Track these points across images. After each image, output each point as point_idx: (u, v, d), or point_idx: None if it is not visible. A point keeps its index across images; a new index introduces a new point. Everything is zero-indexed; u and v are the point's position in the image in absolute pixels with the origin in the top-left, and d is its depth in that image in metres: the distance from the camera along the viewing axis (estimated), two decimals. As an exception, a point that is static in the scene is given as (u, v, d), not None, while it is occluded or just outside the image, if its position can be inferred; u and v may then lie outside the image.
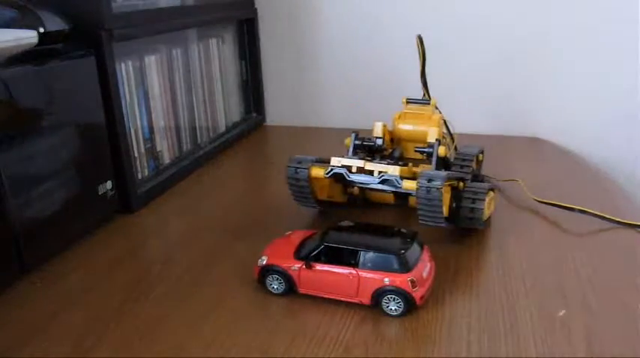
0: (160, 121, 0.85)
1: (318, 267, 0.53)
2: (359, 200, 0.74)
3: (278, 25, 1.17)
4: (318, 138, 1.08)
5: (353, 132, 0.69)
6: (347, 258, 0.52)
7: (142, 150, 0.81)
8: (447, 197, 0.61)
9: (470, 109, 1.10)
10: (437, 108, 0.72)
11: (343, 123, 1.16)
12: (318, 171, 0.64)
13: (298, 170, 0.65)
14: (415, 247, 0.53)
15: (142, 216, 0.75)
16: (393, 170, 0.60)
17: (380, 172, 0.61)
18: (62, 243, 0.65)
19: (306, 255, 0.53)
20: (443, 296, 0.54)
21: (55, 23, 0.63)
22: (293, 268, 0.53)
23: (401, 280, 0.50)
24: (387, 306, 0.51)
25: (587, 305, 0.51)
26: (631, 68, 0.99)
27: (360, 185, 0.64)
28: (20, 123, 0.57)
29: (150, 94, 0.82)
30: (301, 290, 0.54)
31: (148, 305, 0.54)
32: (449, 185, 0.62)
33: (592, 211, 0.68)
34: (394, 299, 0.50)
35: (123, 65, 0.75)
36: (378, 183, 0.61)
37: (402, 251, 0.51)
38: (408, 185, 0.59)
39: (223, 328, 0.50)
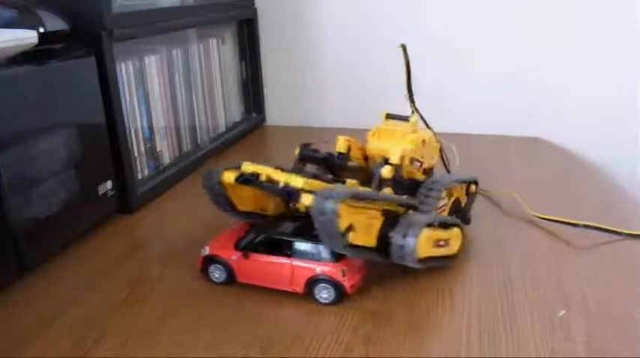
0: (160, 121, 0.85)
1: (255, 257, 0.54)
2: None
3: (278, 25, 1.17)
4: (318, 139, 1.08)
5: (304, 144, 0.63)
6: (283, 248, 0.54)
7: (142, 150, 0.81)
8: (372, 223, 0.52)
9: (470, 109, 1.10)
10: (431, 129, 0.67)
11: (343, 124, 1.16)
12: (229, 176, 0.56)
13: (212, 174, 0.58)
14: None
15: (142, 216, 0.75)
16: (296, 182, 0.52)
17: (284, 182, 0.53)
18: (62, 243, 0.65)
19: (244, 246, 0.55)
20: (443, 296, 0.54)
21: (55, 23, 0.63)
22: (232, 258, 0.55)
23: (332, 269, 0.52)
24: (319, 294, 0.53)
25: (587, 305, 0.51)
26: (631, 68, 0.99)
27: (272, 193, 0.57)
28: (20, 123, 0.57)
29: (150, 94, 0.82)
30: (240, 280, 0.56)
31: (148, 305, 0.54)
32: (386, 210, 0.53)
33: (595, 225, 0.65)
34: (326, 287, 0.52)
35: (123, 65, 0.75)
36: (284, 193, 0.54)
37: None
38: (306, 199, 0.50)
39: (223, 328, 0.50)
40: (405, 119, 0.64)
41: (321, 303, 0.53)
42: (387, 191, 0.57)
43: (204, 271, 0.57)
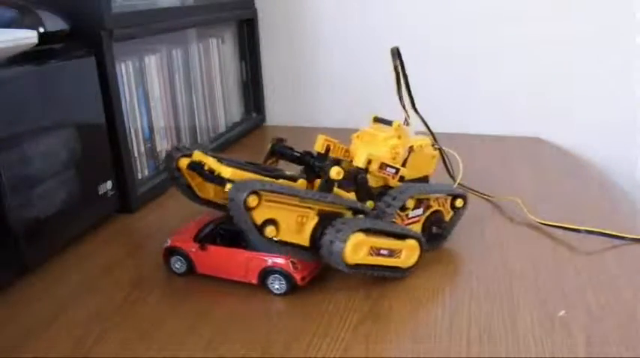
0: (159, 121, 0.85)
1: (212, 248, 0.56)
2: None
3: (278, 25, 1.17)
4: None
5: (276, 138, 0.62)
6: (238, 239, 0.55)
7: (142, 150, 0.81)
8: (305, 223, 0.52)
9: (470, 109, 1.10)
10: (433, 136, 0.65)
11: (343, 124, 1.16)
12: (185, 161, 0.56)
13: (170, 158, 0.57)
14: None
15: (142, 216, 0.75)
16: (225, 172, 0.51)
17: (218, 173, 0.52)
18: (62, 243, 0.65)
19: (202, 237, 0.57)
20: (443, 296, 0.54)
21: (55, 23, 0.63)
22: (191, 250, 0.57)
23: (283, 261, 0.53)
24: (272, 285, 0.54)
25: (588, 305, 0.51)
26: (632, 68, 0.99)
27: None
28: (20, 123, 0.57)
29: (150, 94, 0.82)
30: (199, 271, 0.57)
31: (148, 305, 0.54)
32: (323, 211, 0.53)
33: (598, 230, 0.64)
34: (278, 278, 0.53)
35: (123, 65, 0.75)
36: (214, 183, 0.54)
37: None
38: (228, 189, 0.50)
39: (223, 327, 0.50)
40: (389, 123, 0.62)
41: (274, 294, 0.54)
42: (342, 193, 0.56)
43: (167, 262, 0.58)
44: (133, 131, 0.77)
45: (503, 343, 0.46)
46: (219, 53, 1.03)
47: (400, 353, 0.46)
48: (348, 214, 0.55)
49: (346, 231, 0.51)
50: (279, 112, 1.23)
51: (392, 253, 0.54)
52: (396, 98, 0.66)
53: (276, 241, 0.51)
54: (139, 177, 0.79)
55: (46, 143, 0.60)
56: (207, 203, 0.61)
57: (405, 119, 0.65)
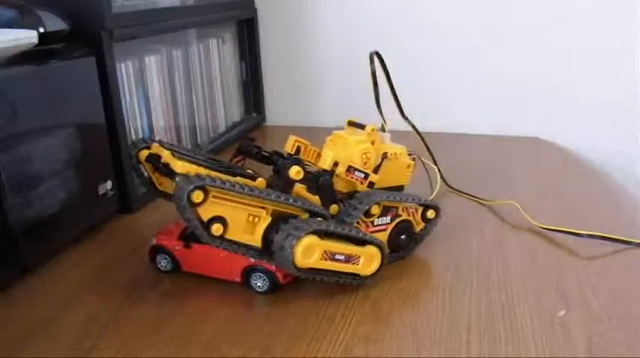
0: (159, 121, 0.85)
1: (196, 246, 0.56)
2: None
3: (278, 25, 1.17)
4: (318, 138, 1.07)
5: (248, 138, 0.60)
6: None
7: (142, 150, 0.80)
8: (257, 222, 0.51)
9: (469, 109, 1.10)
10: (423, 139, 0.64)
11: (343, 124, 1.16)
12: (144, 154, 0.56)
13: (133, 147, 0.57)
14: None
15: (142, 216, 0.75)
16: (175, 165, 0.50)
17: (170, 165, 0.51)
18: (62, 243, 0.65)
19: (187, 236, 0.57)
20: (443, 296, 0.54)
21: (55, 23, 0.63)
22: (176, 248, 0.57)
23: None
24: (255, 283, 0.54)
25: (588, 305, 0.51)
26: (632, 68, 0.99)
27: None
28: (20, 123, 0.57)
29: (150, 94, 0.82)
30: (184, 269, 0.57)
31: (148, 305, 0.54)
32: (277, 212, 0.51)
33: (600, 234, 0.63)
34: (260, 277, 0.54)
35: (123, 65, 0.75)
36: (167, 176, 0.53)
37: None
38: (174, 184, 0.48)
39: (224, 327, 0.50)
40: (361, 127, 0.60)
41: (258, 292, 0.54)
42: (307, 196, 0.54)
43: (152, 260, 0.59)
44: (133, 131, 0.78)
45: (503, 343, 0.46)
46: (219, 53, 1.03)
47: (400, 354, 0.46)
48: (305, 217, 0.53)
49: (296, 234, 0.49)
50: (279, 112, 1.23)
51: (349, 259, 0.52)
52: (392, 98, 0.66)
53: (222, 240, 0.49)
54: (139, 177, 0.80)
55: (46, 143, 0.60)
56: (168, 197, 0.59)
57: (382, 125, 0.63)
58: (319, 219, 0.53)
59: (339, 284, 0.54)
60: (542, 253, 0.61)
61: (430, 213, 0.61)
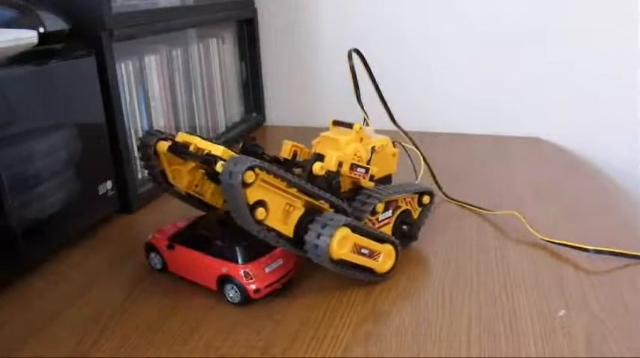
0: (159, 121, 0.85)
1: (179, 249, 0.56)
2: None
3: (278, 25, 1.17)
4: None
5: (249, 136, 0.60)
6: (204, 244, 0.55)
7: (142, 150, 0.80)
8: (292, 211, 0.51)
9: (469, 109, 1.10)
10: (401, 130, 0.64)
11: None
12: (164, 145, 0.55)
13: (149, 137, 0.56)
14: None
15: (142, 216, 0.75)
16: (217, 150, 0.51)
17: (207, 151, 0.51)
18: (62, 243, 0.65)
19: (173, 237, 0.58)
20: (443, 296, 0.54)
21: (55, 23, 0.63)
22: (163, 248, 0.58)
23: (236, 270, 0.52)
24: (228, 294, 0.53)
25: (588, 305, 0.51)
26: (631, 68, 0.99)
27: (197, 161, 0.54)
28: (20, 123, 0.57)
29: (150, 94, 0.82)
30: (170, 269, 0.58)
31: (148, 305, 0.54)
32: (309, 204, 0.52)
33: (607, 249, 0.60)
34: (232, 288, 0.53)
35: (123, 65, 0.75)
36: (202, 161, 0.52)
37: (246, 243, 0.53)
38: (219, 166, 0.48)
39: (224, 327, 0.50)
40: (349, 126, 0.60)
41: (230, 303, 0.53)
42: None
43: (147, 258, 0.60)
44: (133, 131, 0.78)
45: (503, 343, 0.46)
46: (219, 53, 1.03)
47: (400, 354, 0.46)
48: (331, 212, 0.54)
49: (333, 225, 0.50)
50: (279, 112, 1.23)
51: (372, 254, 0.54)
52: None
53: (262, 225, 0.49)
54: (139, 177, 0.79)
55: (46, 143, 0.60)
56: (177, 193, 0.60)
57: (365, 119, 0.65)
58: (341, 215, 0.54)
59: (346, 282, 0.55)
60: (542, 253, 0.62)
61: (425, 199, 0.63)
